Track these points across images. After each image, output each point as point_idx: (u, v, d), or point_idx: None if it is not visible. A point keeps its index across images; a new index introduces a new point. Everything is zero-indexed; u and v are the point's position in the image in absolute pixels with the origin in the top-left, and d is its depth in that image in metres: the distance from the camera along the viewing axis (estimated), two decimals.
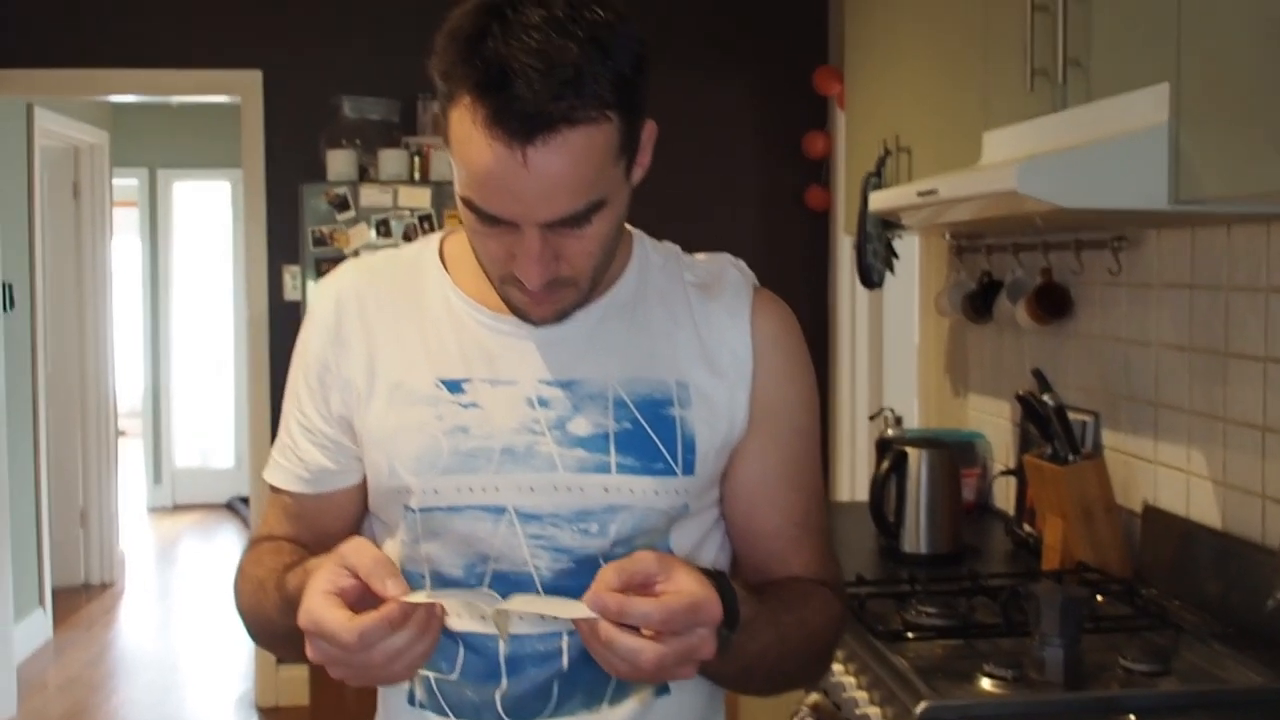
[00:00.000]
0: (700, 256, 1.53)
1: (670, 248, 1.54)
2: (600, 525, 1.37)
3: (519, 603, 1.29)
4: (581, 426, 1.39)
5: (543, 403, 1.40)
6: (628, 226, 1.50)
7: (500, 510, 1.38)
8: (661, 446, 1.40)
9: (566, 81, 1.19)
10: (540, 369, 1.41)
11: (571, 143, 1.21)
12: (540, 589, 1.38)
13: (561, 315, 1.38)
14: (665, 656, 1.17)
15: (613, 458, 1.38)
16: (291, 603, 1.26)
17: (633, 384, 1.41)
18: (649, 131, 1.35)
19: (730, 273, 1.50)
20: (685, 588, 1.19)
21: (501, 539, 1.38)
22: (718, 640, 1.22)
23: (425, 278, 1.49)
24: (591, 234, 1.30)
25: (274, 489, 1.53)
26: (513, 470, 1.38)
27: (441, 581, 1.43)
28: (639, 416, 1.40)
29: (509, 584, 1.38)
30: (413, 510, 1.42)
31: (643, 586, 1.20)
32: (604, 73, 1.21)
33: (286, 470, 1.51)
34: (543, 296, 1.33)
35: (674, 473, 1.40)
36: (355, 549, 1.24)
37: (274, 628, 1.40)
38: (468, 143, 1.23)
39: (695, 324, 1.45)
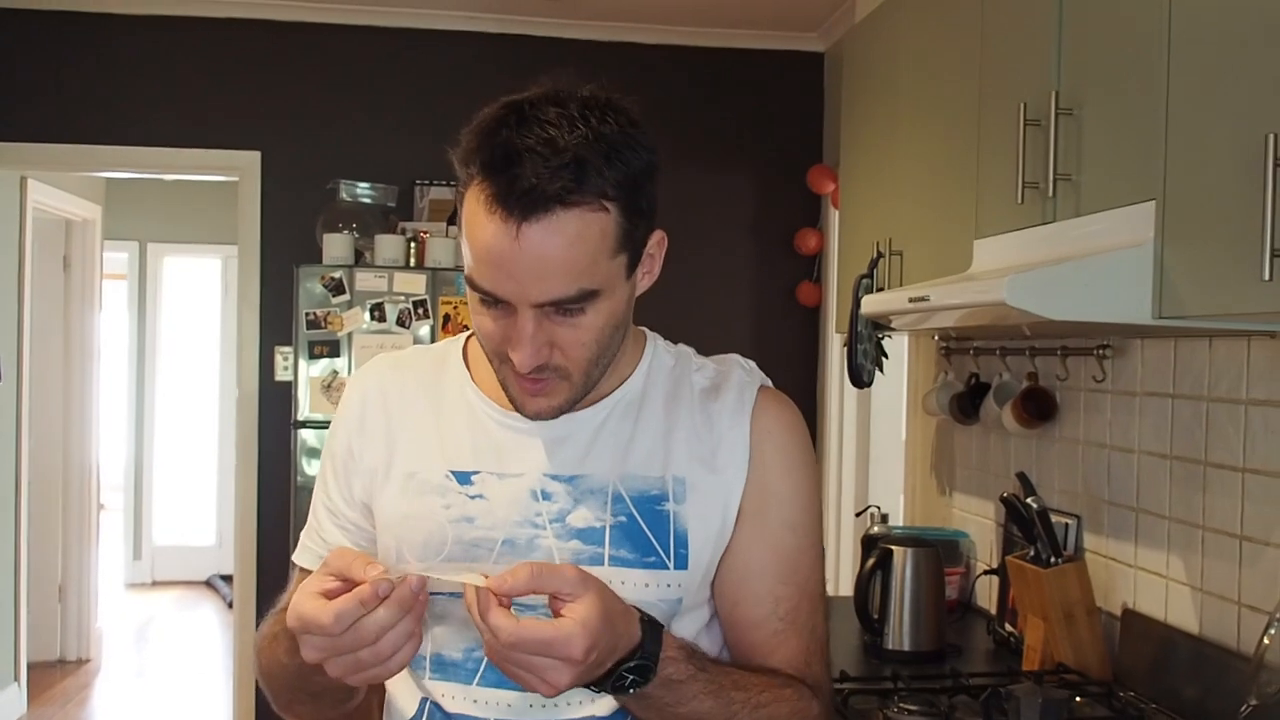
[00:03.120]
0: (712, 359, 1.57)
1: (684, 350, 1.59)
2: None
3: (441, 569, 1.35)
4: (580, 519, 1.43)
5: (545, 495, 1.44)
6: (644, 329, 1.56)
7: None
8: (654, 540, 1.43)
9: (566, 165, 1.26)
10: (545, 463, 1.45)
11: (565, 224, 1.27)
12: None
13: (555, 411, 1.42)
14: (505, 659, 1.21)
15: (606, 550, 1.42)
16: (295, 638, 1.28)
17: (630, 479, 1.45)
18: (657, 240, 1.41)
19: (737, 373, 1.54)
20: (567, 618, 1.21)
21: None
22: (614, 679, 1.27)
23: (447, 373, 1.56)
24: (586, 325, 1.34)
25: (301, 569, 1.60)
26: (512, 561, 1.41)
27: (442, 663, 1.47)
28: (634, 511, 1.43)
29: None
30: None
31: (554, 598, 1.23)
32: (606, 167, 1.28)
33: (311, 551, 1.59)
34: (534, 385, 1.38)
35: (666, 566, 1.42)
36: (337, 554, 1.28)
37: (288, 674, 1.43)
38: (473, 220, 1.30)
39: (696, 424, 1.49)
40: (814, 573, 1.53)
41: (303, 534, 1.62)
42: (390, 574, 1.22)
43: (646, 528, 1.43)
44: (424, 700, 1.49)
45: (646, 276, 1.43)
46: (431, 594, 1.44)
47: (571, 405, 1.43)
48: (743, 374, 1.54)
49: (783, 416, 1.52)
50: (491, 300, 1.33)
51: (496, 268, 1.29)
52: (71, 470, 7.22)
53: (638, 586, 1.41)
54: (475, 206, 1.30)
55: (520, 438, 1.47)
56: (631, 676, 1.28)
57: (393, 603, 1.21)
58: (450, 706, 1.46)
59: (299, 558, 1.61)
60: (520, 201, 1.26)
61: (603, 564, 1.41)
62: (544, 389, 1.39)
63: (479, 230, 1.29)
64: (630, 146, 1.31)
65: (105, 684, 6.98)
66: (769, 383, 1.56)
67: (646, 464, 1.46)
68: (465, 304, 4.91)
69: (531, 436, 1.47)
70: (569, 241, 1.28)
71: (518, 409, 1.43)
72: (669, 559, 1.43)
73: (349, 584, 1.24)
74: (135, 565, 9.52)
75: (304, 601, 1.23)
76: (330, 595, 1.23)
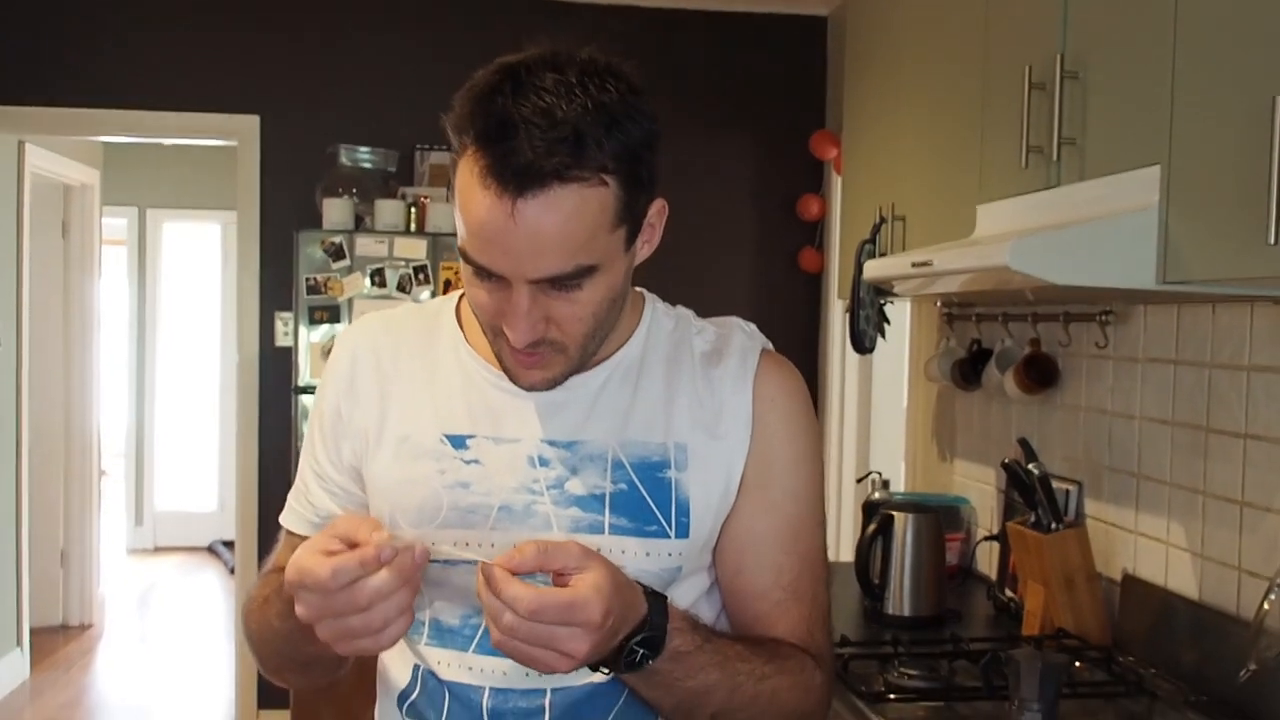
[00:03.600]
0: (712, 321, 1.54)
1: (683, 313, 1.56)
2: None
3: (437, 537, 1.33)
4: (578, 487, 1.41)
5: (543, 462, 1.42)
6: (642, 290, 1.53)
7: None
8: (656, 509, 1.41)
9: (564, 139, 1.21)
10: (543, 428, 1.43)
11: (561, 200, 1.23)
12: None
13: (551, 383, 1.40)
14: (518, 630, 1.17)
15: (606, 518, 1.40)
16: (288, 601, 1.26)
17: (631, 446, 1.43)
18: (658, 209, 1.38)
19: (737, 337, 1.51)
20: (578, 586, 1.19)
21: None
22: (625, 654, 1.25)
23: (440, 334, 1.53)
24: (583, 300, 1.31)
25: (288, 533, 1.57)
26: (509, 528, 1.40)
27: (439, 630, 1.46)
28: (635, 479, 1.41)
29: None
30: None
31: (559, 574, 1.20)
32: (606, 139, 1.24)
33: (298, 514, 1.56)
34: (529, 358, 1.35)
35: (668, 535, 1.41)
36: (344, 518, 1.26)
37: (278, 639, 1.41)
38: (467, 192, 1.26)
39: (697, 389, 1.46)
40: (816, 541, 1.52)
41: (290, 496, 1.58)
42: (396, 542, 1.20)
43: (648, 495, 1.41)
44: (417, 668, 1.48)
45: (646, 246, 1.40)
46: (430, 561, 1.44)
47: (567, 377, 1.41)
48: (744, 337, 1.52)
49: (786, 383, 1.50)
50: (485, 273, 1.30)
51: (490, 243, 1.26)
52: (72, 436, 7.23)
53: (638, 555, 1.40)
54: (469, 178, 1.25)
55: (516, 402, 1.44)
56: (642, 651, 1.26)
57: (393, 569, 1.19)
58: (445, 674, 1.45)
59: (286, 519, 1.58)
60: (516, 176, 1.21)
61: (603, 532, 1.40)
62: (539, 361, 1.36)
63: (473, 204, 1.25)
64: (630, 116, 1.27)
65: (108, 649, 7.01)
66: (770, 346, 1.54)
67: (647, 430, 1.44)
68: None
69: (528, 400, 1.44)
70: (566, 218, 1.24)
71: (512, 380, 1.41)
72: (670, 527, 1.41)
73: (354, 548, 1.22)
74: (137, 531, 9.55)
75: (305, 555, 1.21)
76: (332, 555, 1.21)
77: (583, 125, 1.22)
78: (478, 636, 1.43)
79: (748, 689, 1.37)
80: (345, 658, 1.43)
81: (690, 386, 1.47)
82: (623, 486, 1.41)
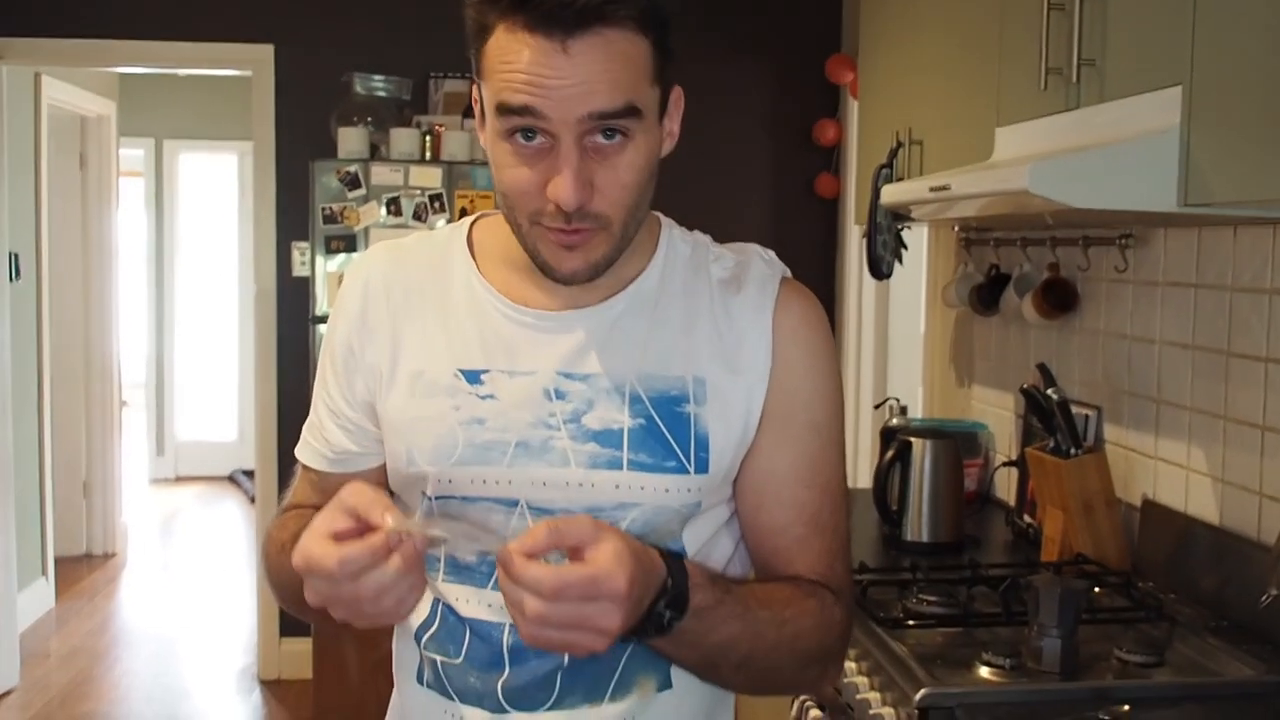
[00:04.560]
0: (729, 248, 1.52)
1: (700, 238, 1.53)
2: (611, 521, 1.33)
3: (451, 529, 1.29)
4: (596, 421, 1.39)
5: (560, 395, 1.40)
6: (658, 214, 1.51)
7: (513, 503, 1.39)
8: (675, 444, 1.39)
9: None
10: (558, 360, 1.41)
11: (610, 40, 1.24)
12: None
13: (592, 269, 1.36)
14: (548, 617, 1.15)
15: (625, 454, 1.38)
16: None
17: (649, 380, 1.40)
18: (677, 95, 1.38)
19: (756, 265, 1.48)
20: (597, 559, 1.16)
21: (514, 531, 1.37)
22: (653, 619, 1.24)
23: (452, 264, 1.50)
24: (625, 164, 1.30)
25: (304, 466, 1.57)
26: (526, 464, 1.39)
27: (455, 566, 1.45)
28: (654, 413, 1.39)
29: None
30: (429, 498, 1.44)
31: (574, 550, 1.18)
32: None
33: (313, 449, 1.54)
34: (573, 236, 1.32)
35: (687, 470, 1.39)
36: (353, 490, 1.23)
37: (296, 586, 1.37)
38: (507, 50, 1.25)
39: (716, 320, 1.44)
40: (836, 473, 1.49)
41: (305, 428, 1.57)
42: (405, 526, 1.18)
43: (667, 431, 1.39)
44: (436, 603, 1.47)
45: (669, 139, 1.39)
46: (445, 497, 1.43)
47: (607, 265, 1.37)
48: (763, 265, 1.49)
49: (808, 314, 1.47)
50: (529, 135, 1.28)
51: (540, 85, 1.24)
52: (93, 367, 7.28)
53: (657, 492, 1.38)
54: (508, 39, 1.25)
55: (531, 334, 1.42)
56: (669, 613, 1.25)
57: (402, 555, 1.17)
58: (464, 610, 1.44)
59: (300, 453, 1.56)
60: (565, 17, 1.22)
61: (621, 468, 1.38)
62: (583, 240, 1.32)
63: (516, 55, 1.25)
64: None
65: (131, 578, 7.09)
66: (789, 273, 1.51)
67: (665, 362, 1.41)
68: (482, 197, 4.92)
69: (543, 332, 1.42)
70: (612, 56, 1.25)
71: (548, 272, 1.37)
72: (690, 463, 1.39)
73: (362, 525, 1.20)
74: (159, 461, 9.63)
75: (312, 544, 1.19)
76: (340, 536, 1.19)
77: None
78: (494, 576, 1.40)
79: (769, 636, 1.36)
80: None
81: (709, 316, 1.44)
82: (641, 421, 1.39)
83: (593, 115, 1.26)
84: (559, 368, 1.41)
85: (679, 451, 1.39)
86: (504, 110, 1.27)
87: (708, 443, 1.40)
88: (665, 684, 1.43)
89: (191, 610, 6.53)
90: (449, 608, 1.46)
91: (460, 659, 1.44)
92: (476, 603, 1.43)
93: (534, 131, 1.27)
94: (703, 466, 1.40)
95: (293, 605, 1.48)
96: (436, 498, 1.43)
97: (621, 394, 1.39)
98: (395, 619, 1.23)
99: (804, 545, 1.45)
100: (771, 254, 1.52)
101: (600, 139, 1.28)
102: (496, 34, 1.26)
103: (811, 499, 1.45)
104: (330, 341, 1.52)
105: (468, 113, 5.03)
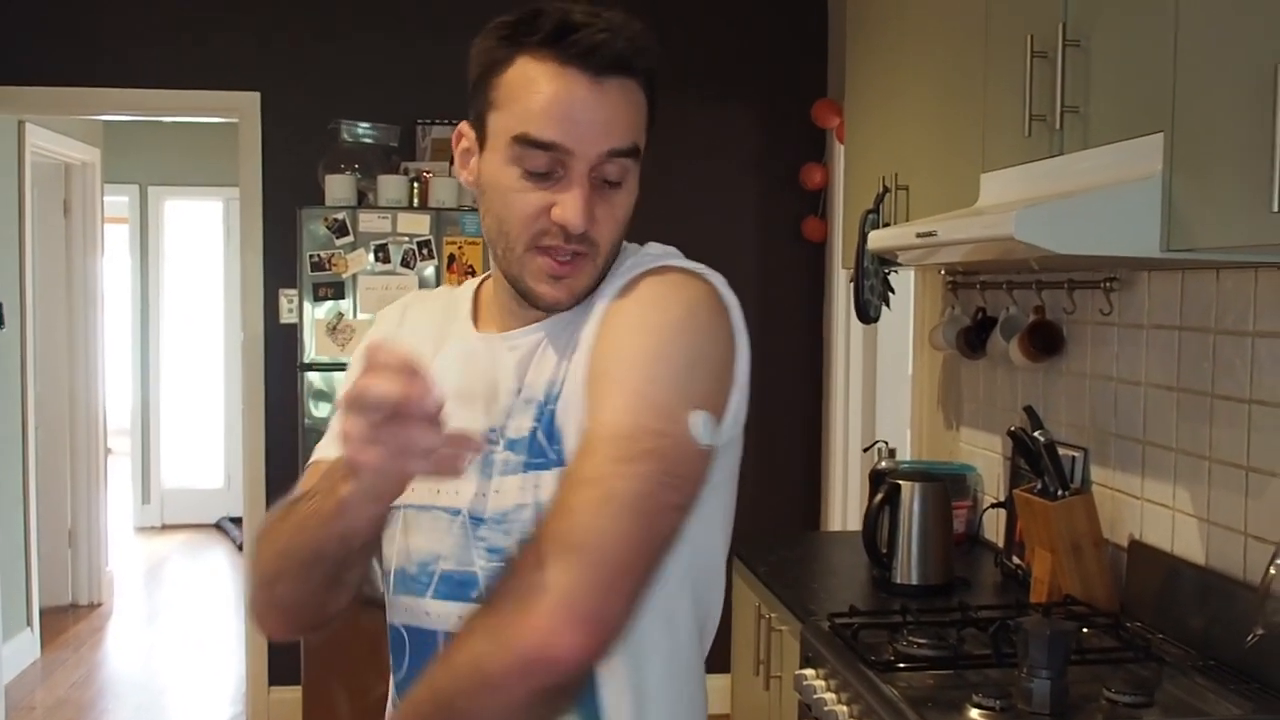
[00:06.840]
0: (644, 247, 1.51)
1: (630, 249, 1.49)
2: (513, 525, 1.39)
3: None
4: (514, 430, 1.42)
5: (504, 410, 1.44)
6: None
7: (456, 512, 1.44)
8: (546, 443, 1.40)
9: (632, 38, 1.35)
10: (499, 377, 1.45)
11: (629, 90, 1.36)
12: (482, 590, 1.40)
13: (574, 297, 1.42)
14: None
15: (525, 458, 1.42)
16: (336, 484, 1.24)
17: (550, 385, 1.41)
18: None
19: (630, 260, 1.45)
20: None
21: (454, 540, 1.43)
22: None
23: (456, 314, 1.57)
24: (620, 202, 1.39)
25: (315, 463, 1.54)
26: (472, 475, 1.43)
27: (403, 577, 1.48)
28: (543, 415, 1.41)
29: (453, 584, 1.43)
30: (396, 506, 1.41)
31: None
32: (647, 56, 1.38)
33: (331, 444, 1.49)
34: (566, 266, 1.38)
35: (560, 464, 1.37)
36: (393, 350, 1.17)
37: (285, 535, 1.36)
38: (536, 80, 1.33)
39: (590, 319, 1.40)
40: (627, 416, 1.30)
41: (332, 422, 1.47)
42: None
43: (542, 430, 1.41)
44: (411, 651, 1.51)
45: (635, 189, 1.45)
46: (406, 506, 1.46)
47: (586, 295, 1.42)
48: (636, 259, 1.46)
49: (646, 292, 1.38)
50: (544, 159, 1.34)
51: (567, 118, 1.33)
52: (78, 415, 7.25)
53: (546, 488, 1.36)
54: (535, 70, 1.33)
55: (481, 349, 1.49)
56: None
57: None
58: (403, 620, 1.49)
59: (319, 451, 1.54)
60: (596, 60, 1.32)
61: (522, 471, 1.41)
62: (572, 270, 1.39)
63: (546, 84, 1.33)
64: (652, 47, 1.39)
65: (118, 627, 7.04)
66: (680, 265, 1.43)
67: (557, 367, 1.43)
68: (470, 244, 4.94)
69: (490, 351, 1.48)
70: (630, 104, 1.36)
71: (531, 299, 1.42)
72: (559, 457, 1.38)
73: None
74: (144, 509, 9.57)
75: (372, 381, 1.13)
76: None
77: (636, 36, 1.36)
78: (434, 585, 1.45)
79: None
80: (345, 569, 1.38)
81: (585, 319, 1.41)
82: (537, 424, 1.41)
83: (610, 152, 1.35)
84: (501, 384, 1.46)
85: (548, 449, 1.39)
86: (526, 142, 1.34)
87: (560, 435, 1.38)
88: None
89: (179, 660, 6.48)
90: (394, 625, 1.51)
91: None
92: (418, 612, 1.48)
93: (549, 169, 1.35)
94: (562, 458, 1.37)
95: (272, 567, 1.42)
96: (403, 506, 1.45)
97: (534, 403, 1.42)
98: (423, 468, 1.17)
99: (566, 493, 1.30)
100: (668, 249, 1.48)
101: (604, 176, 1.36)
102: (519, 65, 1.35)
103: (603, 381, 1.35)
104: (368, 341, 1.51)
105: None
